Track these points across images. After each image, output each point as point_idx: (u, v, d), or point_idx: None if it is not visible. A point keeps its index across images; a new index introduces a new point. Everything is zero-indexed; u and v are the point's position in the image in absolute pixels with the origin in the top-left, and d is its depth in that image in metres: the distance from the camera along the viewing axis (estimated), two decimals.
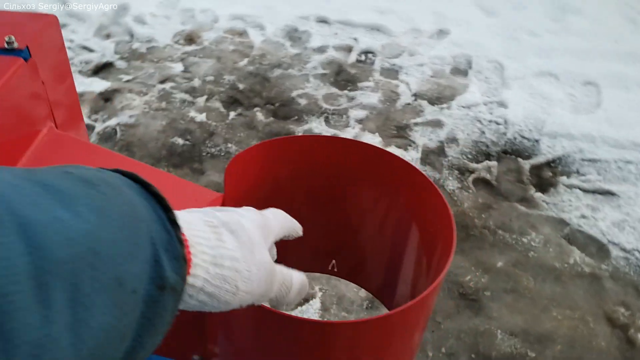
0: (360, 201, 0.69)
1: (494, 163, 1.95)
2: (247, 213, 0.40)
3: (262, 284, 0.37)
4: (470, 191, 1.83)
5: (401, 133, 2.04)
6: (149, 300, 0.28)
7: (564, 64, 2.39)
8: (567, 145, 2.01)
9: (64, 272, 0.23)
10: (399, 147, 1.97)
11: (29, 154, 0.52)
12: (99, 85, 2.17)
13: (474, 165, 1.93)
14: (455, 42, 2.53)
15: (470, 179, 1.88)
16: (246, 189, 0.66)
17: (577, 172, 1.91)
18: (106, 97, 2.12)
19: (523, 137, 2.05)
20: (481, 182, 1.88)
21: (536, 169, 1.94)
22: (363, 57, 2.42)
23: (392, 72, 2.34)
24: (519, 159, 1.97)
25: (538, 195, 1.83)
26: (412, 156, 1.93)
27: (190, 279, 0.32)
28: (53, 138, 0.55)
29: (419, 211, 0.62)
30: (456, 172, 1.90)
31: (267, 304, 0.42)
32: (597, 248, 1.65)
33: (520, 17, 2.69)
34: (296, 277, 0.42)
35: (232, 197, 0.65)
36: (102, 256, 0.25)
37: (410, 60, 2.41)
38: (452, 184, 1.85)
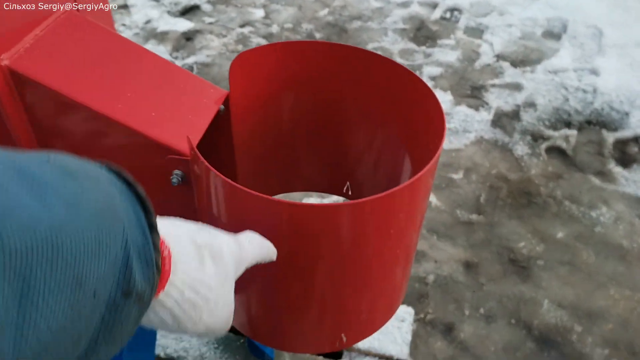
0: (357, 135, 0.68)
1: (573, 132, 1.81)
2: (228, 241, 0.39)
3: (222, 321, 0.36)
4: (541, 158, 1.72)
5: (475, 93, 1.94)
6: (111, 305, 0.26)
7: None
8: None
9: (17, 264, 0.20)
10: (470, 106, 1.88)
11: (38, 32, 0.55)
12: (183, 25, 2.25)
13: (550, 132, 1.80)
14: (552, 4, 2.34)
15: (544, 146, 1.76)
16: (252, 91, 0.66)
17: None
18: (188, 36, 2.20)
19: (612, 108, 1.88)
20: (555, 151, 1.75)
21: (621, 143, 1.78)
22: (448, 15, 2.32)
23: (476, 31, 2.23)
24: (603, 131, 1.82)
25: (617, 170, 1.68)
26: (482, 117, 1.84)
27: (162, 296, 0.31)
28: (70, 18, 0.58)
29: (412, 143, 0.61)
30: (529, 137, 1.79)
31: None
32: None
33: None
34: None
35: (237, 97, 0.65)
36: (62, 251, 0.22)
37: (498, 20, 2.27)
38: (521, 149, 1.74)
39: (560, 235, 1.48)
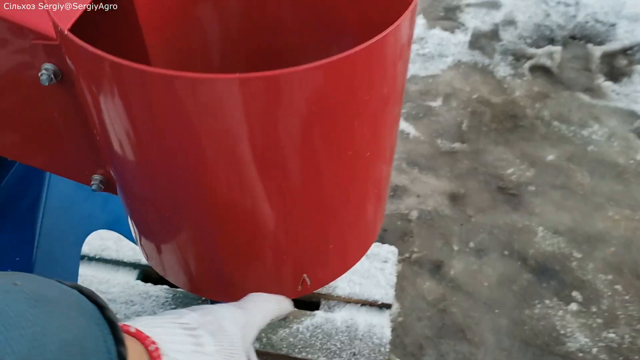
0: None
1: (557, 48, 1.66)
2: (227, 312, 0.38)
3: None
4: (525, 79, 1.58)
5: (449, 15, 1.78)
6: None
7: None
8: None
9: None
10: (444, 29, 1.72)
11: None
12: None
13: (533, 50, 1.66)
14: None
15: (527, 65, 1.62)
16: None
17: None
18: None
19: (596, 20, 1.74)
20: (539, 70, 1.61)
21: (608, 57, 1.64)
22: None
23: None
24: (589, 45, 1.68)
25: (607, 84, 1.55)
26: (459, 39, 1.68)
27: None
28: None
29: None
30: (510, 57, 1.64)
31: None
32: None
33: None
34: None
35: None
36: None
37: None
38: (503, 71, 1.60)
39: (550, 157, 1.36)
